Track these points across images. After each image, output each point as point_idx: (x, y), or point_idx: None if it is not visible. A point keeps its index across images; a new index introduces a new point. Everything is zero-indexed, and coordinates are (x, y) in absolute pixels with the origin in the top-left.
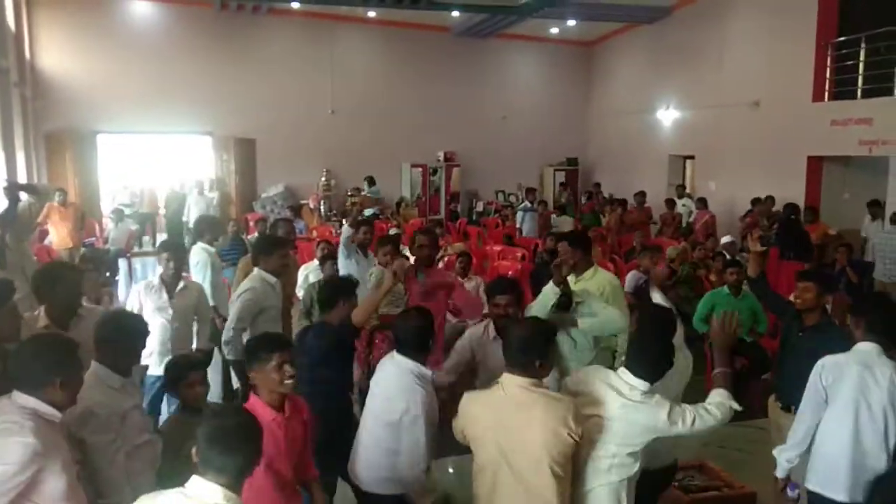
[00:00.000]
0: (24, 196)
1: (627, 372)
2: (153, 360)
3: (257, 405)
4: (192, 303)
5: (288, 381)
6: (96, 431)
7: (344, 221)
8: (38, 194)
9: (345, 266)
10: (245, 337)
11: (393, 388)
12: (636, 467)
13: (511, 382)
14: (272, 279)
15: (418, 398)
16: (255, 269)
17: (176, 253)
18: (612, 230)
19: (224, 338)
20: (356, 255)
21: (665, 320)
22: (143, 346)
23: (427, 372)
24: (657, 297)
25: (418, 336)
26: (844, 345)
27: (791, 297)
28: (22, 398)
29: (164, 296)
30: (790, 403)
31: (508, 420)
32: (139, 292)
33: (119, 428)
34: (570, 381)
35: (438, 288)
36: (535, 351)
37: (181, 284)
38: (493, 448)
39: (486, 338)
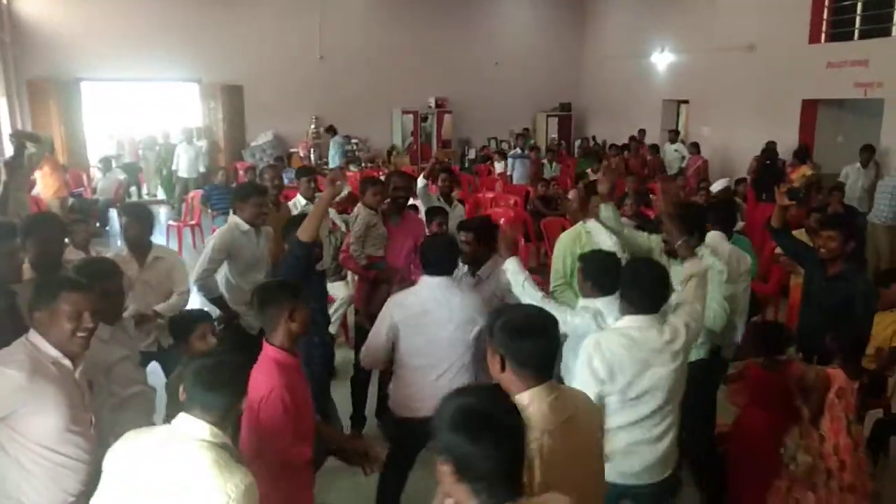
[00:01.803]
0: (28, 144)
1: (628, 317)
2: None
3: (277, 353)
4: (163, 275)
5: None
6: None
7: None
8: (41, 143)
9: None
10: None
11: (455, 307)
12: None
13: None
14: (245, 226)
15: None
16: (231, 216)
17: (133, 218)
18: (621, 174)
19: (193, 282)
20: (437, 204)
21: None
22: (121, 293)
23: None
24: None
25: (446, 255)
26: (872, 290)
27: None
28: (33, 335)
29: (135, 266)
30: (812, 354)
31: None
32: None
33: (102, 381)
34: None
35: (410, 233)
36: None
37: (151, 256)
38: None
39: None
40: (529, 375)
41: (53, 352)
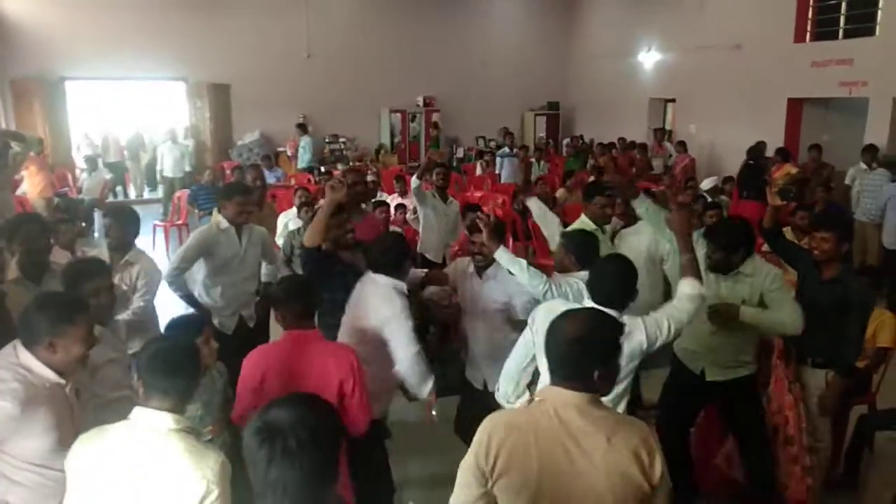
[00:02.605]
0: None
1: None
2: None
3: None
4: (127, 281)
5: None
6: None
7: (322, 168)
8: (26, 142)
9: (423, 215)
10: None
11: (372, 299)
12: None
13: (561, 400)
14: (224, 224)
15: (399, 304)
16: (214, 214)
17: (116, 220)
18: (609, 172)
19: (165, 278)
20: (433, 201)
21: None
22: (110, 292)
23: (403, 285)
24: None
25: (393, 256)
26: (869, 295)
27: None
28: (23, 353)
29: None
30: (808, 357)
31: (561, 460)
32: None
33: (87, 382)
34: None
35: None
36: (592, 355)
37: (124, 258)
38: None
39: (463, 268)
40: None
41: (48, 373)
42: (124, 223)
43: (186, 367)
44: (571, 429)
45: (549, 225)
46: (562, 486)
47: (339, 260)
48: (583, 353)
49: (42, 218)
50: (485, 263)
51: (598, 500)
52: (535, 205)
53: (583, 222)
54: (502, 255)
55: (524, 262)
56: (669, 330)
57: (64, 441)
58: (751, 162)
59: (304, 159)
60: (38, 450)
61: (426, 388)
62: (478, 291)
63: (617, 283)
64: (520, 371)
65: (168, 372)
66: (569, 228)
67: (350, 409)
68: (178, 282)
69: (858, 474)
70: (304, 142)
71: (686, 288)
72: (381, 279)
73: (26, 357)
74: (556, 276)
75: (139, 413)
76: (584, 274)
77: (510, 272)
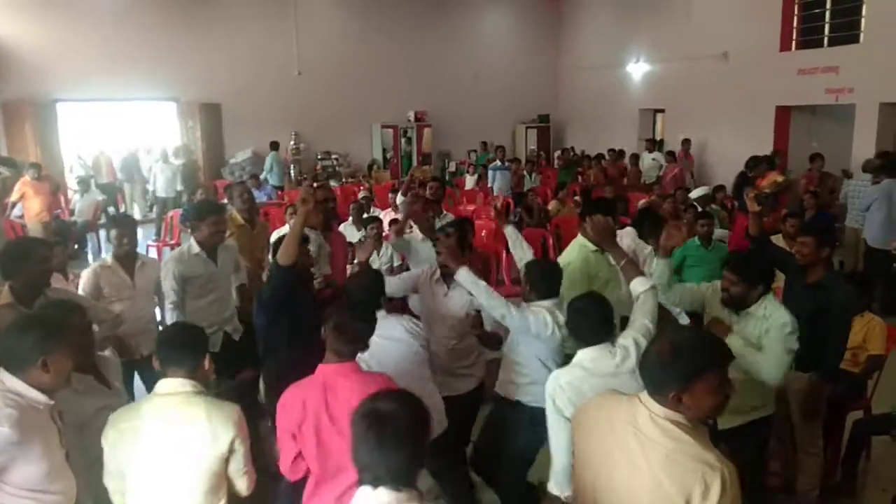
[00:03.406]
0: (1, 169)
1: (580, 351)
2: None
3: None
4: (153, 280)
5: None
6: None
7: (315, 185)
8: (16, 167)
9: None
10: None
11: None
12: None
13: (645, 408)
14: (196, 248)
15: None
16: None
17: (125, 228)
18: (600, 185)
19: (166, 313)
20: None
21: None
22: (87, 334)
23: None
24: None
25: (368, 294)
26: (851, 299)
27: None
28: (9, 379)
29: (124, 275)
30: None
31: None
32: (94, 273)
33: (73, 440)
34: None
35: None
36: (675, 373)
37: (139, 262)
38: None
39: (425, 277)
40: None
41: (39, 396)
42: (134, 230)
43: (196, 344)
44: (639, 424)
45: (520, 252)
46: (608, 465)
47: (308, 283)
48: (660, 369)
49: (48, 243)
50: (452, 271)
51: (633, 497)
52: (510, 231)
53: (581, 243)
54: (463, 276)
55: (484, 283)
56: (651, 331)
57: (57, 465)
58: (748, 173)
59: (272, 177)
60: (35, 475)
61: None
62: (442, 298)
63: (598, 321)
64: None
65: (180, 345)
66: (566, 250)
67: None
68: (179, 317)
69: (856, 480)
70: (270, 158)
71: (639, 286)
72: (395, 323)
73: (14, 382)
74: (523, 305)
75: (162, 383)
76: (546, 303)
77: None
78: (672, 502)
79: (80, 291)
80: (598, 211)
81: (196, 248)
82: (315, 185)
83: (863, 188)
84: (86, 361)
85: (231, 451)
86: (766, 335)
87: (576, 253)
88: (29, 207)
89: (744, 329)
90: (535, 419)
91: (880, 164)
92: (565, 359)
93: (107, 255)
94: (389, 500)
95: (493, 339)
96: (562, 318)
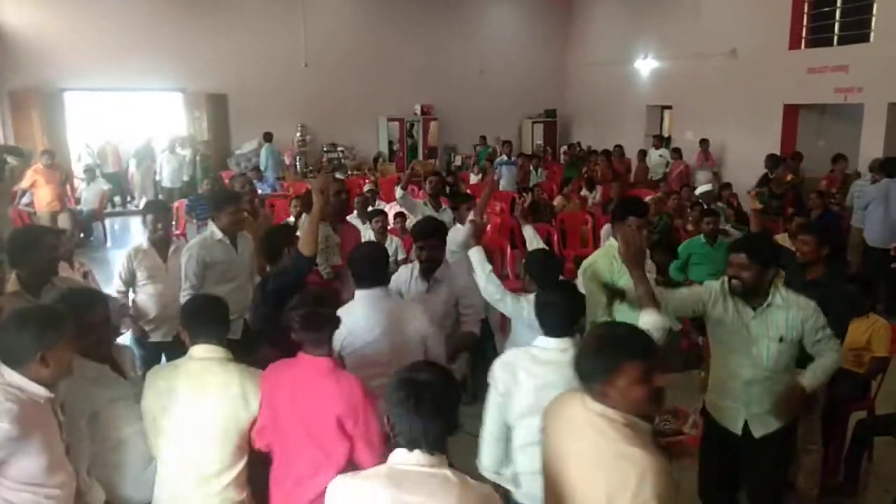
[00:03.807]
0: (9, 158)
1: (541, 338)
2: (153, 326)
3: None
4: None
5: None
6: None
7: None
8: (23, 157)
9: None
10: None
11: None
12: None
13: (582, 404)
14: (219, 234)
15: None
16: (209, 224)
17: (161, 213)
18: (606, 181)
19: (181, 298)
20: (424, 209)
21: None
22: (108, 324)
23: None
24: None
25: (374, 266)
26: (846, 297)
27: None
28: (8, 374)
29: (158, 259)
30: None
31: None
32: (128, 258)
33: (84, 429)
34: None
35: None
36: (598, 366)
37: (173, 246)
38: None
39: (407, 274)
40: None
41: (39, 389)
42: (168, 216)
43: (222, 321)
44: (580, 420)
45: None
46: (566, 463)
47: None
48: (586, 362)
49: (56, 231)
50: (433, 267)
51: (589, 479)
52: (529, 232)
53: (611, 246)
54: (474, 255)
55: (490, 267)
56: None
57: (57, 458)
58: (769, 174)
59: (268, 169)
60: (35, 469)
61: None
62: (424, 296)
63: (563, 315)
64: (496, 440)
65: (209, 319)
66: (591, 256)
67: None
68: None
69: (858, 481)
70: (266, 151)
71: (647, 321)
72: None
73: (14, 376)
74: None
75: (197, 349)
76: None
77: (473, 271)
78: (598, 499)
79: (116, 275)
80: (633, 214)
81: (219, 235)
82: (332, 176)
83: (864, 187)
84: (103, 351)
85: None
86: (806, 324)
87: (602, 253)
88: (39, 196)
89: (767, 325)
90: None
91: (879, 164)
92: None
93: (142, 240)
94: (424, 462)
95: (469, 339)
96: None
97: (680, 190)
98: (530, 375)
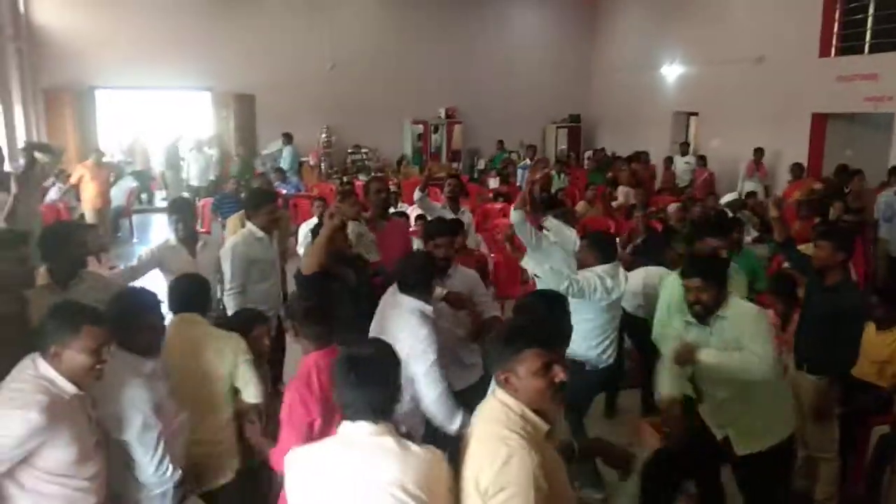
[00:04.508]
0: (38, 155)
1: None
2: None
3: None
4: (214, 259)
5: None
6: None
7: (344, 178)
8: (53, 154)
9: None
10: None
11: (394, 327)
12: None
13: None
14: (260, 233)
15: (423, 334)
16: (246, 223)
17: (184, 212)
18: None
19: (225, 297)
20: (442, 212)
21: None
22: (160, 321)
23: (429, 308)
24: None
25: (421, 276)
26: (860, 305)
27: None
28: (42, 365)
29: (187, 255)
30: (802, 362)
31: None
32: (155, 252)
33: (151, 421)
34: None
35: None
36: (501, 354)
37: (201, 242)
38: None
39: None
40: None
41: (69, 386)
42: (187, 214)
43: (204, 288)
44: (493, 401)
45: (565, 239)
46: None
47: (332, 276)
48: (492, 351)
49: (87, 226)
50: (446, 266)
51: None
52: (550, 223)
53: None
54: (529, 261)
55: (547, 266)
56: None
57: (85, 452)
58: (844, 189)
59: (291, 171)
60: (64, 461)
61: (455, 425)
62: (439, 292)
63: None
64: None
65: (189, 294)
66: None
67: None
68: (239, 302)
69: (880, 495)
70: (287, 152)
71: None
72: (407, 302)
73: (46, 369)
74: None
75: (176, 318)
76: (605, 267)
77: (536, 275)
78: (468, 476)
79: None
80: (710, 234)
81: (259, 233)
82: (372, 175)
83: (889, 199)
84: (158, 350)
85: (236, 366)
86: (744, 332)
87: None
88: (84, 190)
89: (720, 336)
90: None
91: None
92: None
93: (170, 237)
94: (369, 431)
95: (495, 322)
96: (611, 283)
97: (705, 198)
98: None
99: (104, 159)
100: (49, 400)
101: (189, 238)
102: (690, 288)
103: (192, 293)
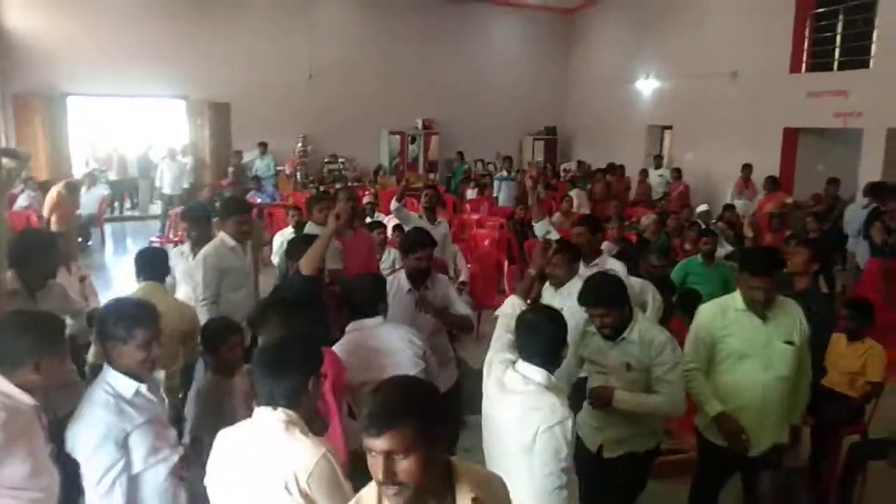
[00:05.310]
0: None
1: (526, 368)
2: None
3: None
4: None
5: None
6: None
7: (321, 188)
8: (20, 159)
9: None
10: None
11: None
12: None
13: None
14: (232, 242)
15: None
16: (219, 233)
17: (194, 222)
18: (603, 200)
19: (198, 309)
20: (419, 222)
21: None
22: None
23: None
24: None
25: (370, 298)
26: (824, 309)
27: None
28: (1, 381)
29: (192, 261)
30: None
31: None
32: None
33: (117, 455)
34: None
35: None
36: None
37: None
38: None
39: (396, 288)
40: None
41: (24, 397)
42: (196, 222)
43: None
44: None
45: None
46: None
47: (323, 290)
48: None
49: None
50: (423, 277)
51: None
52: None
53: (731, 300)
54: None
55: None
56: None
57: (41, 463)
58: (881, 207)
59: (267, 180)
60: (19, 475)
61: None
62: (413, 311)
63: (545, 342)
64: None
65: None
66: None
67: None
68: (214, 311)
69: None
70: (268, 160)
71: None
72: (391, 332)
73: (3, 384)
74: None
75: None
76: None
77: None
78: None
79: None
80: (748, 269)
81: (231, 242)
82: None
83: (855, 212)
84: (149, 370)
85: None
86: (655, 366)
87: (713, 305)
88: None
89: (625, 355)
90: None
91: (869, 188)
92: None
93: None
94: (279, 418)
95: (465, 322)
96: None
97: (680, 210)
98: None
99: (74, 172)
100: (6, 416)
101: (199, 245)
102: (595, 315)
103: (156, 261)
